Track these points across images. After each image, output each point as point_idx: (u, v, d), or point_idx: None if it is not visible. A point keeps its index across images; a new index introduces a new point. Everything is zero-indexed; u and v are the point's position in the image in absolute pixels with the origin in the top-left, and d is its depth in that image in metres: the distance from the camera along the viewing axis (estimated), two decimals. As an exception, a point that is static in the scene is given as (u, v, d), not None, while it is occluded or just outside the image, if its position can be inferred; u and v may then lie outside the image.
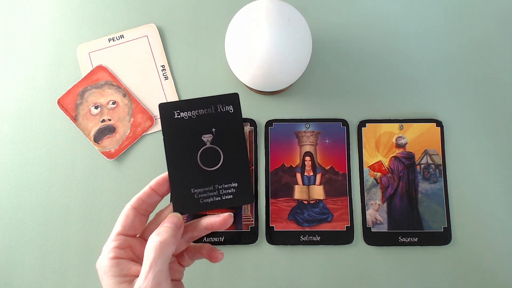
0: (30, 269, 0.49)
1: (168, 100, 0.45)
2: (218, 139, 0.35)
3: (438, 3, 0.54)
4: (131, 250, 0.34)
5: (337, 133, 0.51)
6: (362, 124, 0.51)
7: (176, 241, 0.32)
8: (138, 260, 0.33)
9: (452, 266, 0.48)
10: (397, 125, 0.51)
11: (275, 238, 0.49)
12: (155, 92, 0.49)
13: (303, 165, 0.50)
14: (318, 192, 0.50)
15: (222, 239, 0.49)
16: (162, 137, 0.35)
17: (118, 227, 0.34)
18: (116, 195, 0.50)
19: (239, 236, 0.49)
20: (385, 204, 0.49)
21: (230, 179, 0.35)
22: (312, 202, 0.50)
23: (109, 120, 0.43)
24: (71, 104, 0.44)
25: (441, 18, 0.54)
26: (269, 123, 0.51)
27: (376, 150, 0.51)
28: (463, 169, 0.50)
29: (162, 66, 0.48)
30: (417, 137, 0.51)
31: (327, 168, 0.50)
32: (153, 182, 0.35)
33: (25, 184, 0.51)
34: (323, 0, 0.55)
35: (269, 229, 0.49)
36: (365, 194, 0.50)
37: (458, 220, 0.49)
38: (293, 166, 0.50)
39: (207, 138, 0.35)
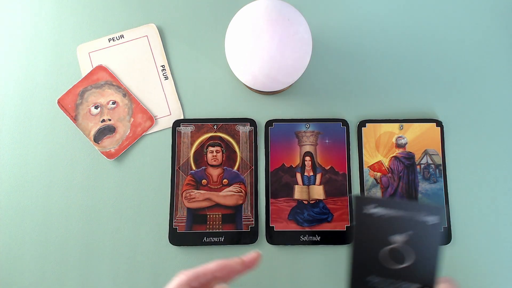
0: (30, 269, 0.49)
1: (168, 101, 0.46)
2: (409, 244, 0.35)
3: (438, 4, 0.54)
4: None
5: (337, 133, 0.51)
6: (362, 124, 0.51)
7: None
8: None
9: (452, 266, 0.48)
10: (397, 125, 0.51)
11: (275, 238, 0.49)
12: (155, 92, 0.50)
13: (303, 165, 0.50)
14: (318, 192, 0.50)
15: (222, 239, 0.49)
16: (354, 228, 0.37)
17: None
18: (116, 195, 0.50)
19: (239, 236, 0.49)
20: (385, 204, 0.49)
21: (413, 280, 0.35)
22: (312, 202, 0.50)
23: (109, 120, 0.43)
24: (71, 104, 0.44)
25: (441, 18, 0.54)
26: (269, 123, 0.51)
27: (376, 150, 0.51)
28: (463, 169, 0.50)
29: (162, 66, 0.48)
30: (417, 137, 0.51)
31: (327, 168, 0.50)
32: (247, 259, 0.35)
33: (25, 184, 0.51)
34: (323, 0, 0.55)
35: (269, 229, 0.49)
36: (365, 194, 0.50)
37: (458, 220, 0.49)
38: (293, 166, 0.50)
39: (397, 239, 0.35)
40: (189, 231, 0.49)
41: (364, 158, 0.51)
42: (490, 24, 0.54)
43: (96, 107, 0.43)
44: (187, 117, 0.52)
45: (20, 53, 0.54)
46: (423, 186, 0.50)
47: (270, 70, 0.44)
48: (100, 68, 0.46)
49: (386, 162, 0.50)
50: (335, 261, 0.49)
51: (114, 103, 0.44)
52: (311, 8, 0.54)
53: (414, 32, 0.54)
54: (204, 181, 0.50)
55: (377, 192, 0.50)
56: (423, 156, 0.50)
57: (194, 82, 0.53)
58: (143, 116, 0.47)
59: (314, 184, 0.50)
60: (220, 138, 0.51)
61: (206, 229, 0.49)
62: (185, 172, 0.50)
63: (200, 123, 0.51)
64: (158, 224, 0.49)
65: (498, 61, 0.53)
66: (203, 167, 0.50)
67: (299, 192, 0.50)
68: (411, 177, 0.50)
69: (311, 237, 0.49)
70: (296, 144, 0.51)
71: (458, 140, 0.51)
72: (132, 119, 0.46)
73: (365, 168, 0.50)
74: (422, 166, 0.50)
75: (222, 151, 0.51)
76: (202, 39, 0.54)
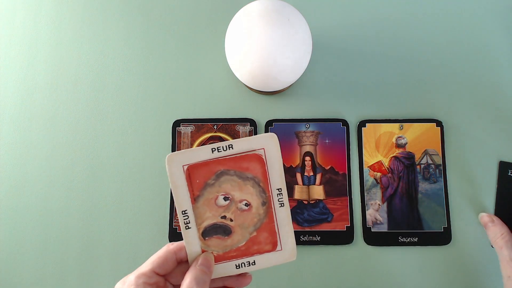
0: (30, 269, 0.49)
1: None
2: None
3: (438, 4, 0.54)
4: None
5: (337, 133, 0.51)
6: (362, 124, 0.51)
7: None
8: None
9: (452, 266, 0.48)
10: (397, 125, 0.51)
11: (275, 238, 0.49)
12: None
13: (303, 165, 0.50)
14: (318, 192, 0.50)
15: (222, 239, 0.49)
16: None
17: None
18: (116, 195, 0.50)
19: (239, 236, 0.49)
20: (385, 204, 0.49)
21: None
22: (312, 202, 0.50)
23: (231, 220, 0.35)
24: (200, 179, 0.34)
25: (441, 18, 0.54)
26: (269, 123, 0.51)
27: (376, 150, 0.51)
28: (463, 169, 0.50)
29: (278, 189, 0.36)
30: (417, 137, 0.51)
31: (327, 168, 0.50)
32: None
33: (25, 184, 0.51)
34: (323, 0, 0.55)
35: (269, 229, 0.49)
36: (365, 194, 0.50)
37: (458, 220, 0.49)
38: (293, 166, 0.50)
39: None
40: (189, 231, 0.49)
41: (364, 158, 0.51)
42: (490, 24, 0.54)
43: (225, 199, 0.35)
44: (187, 117, 0.52)
45: (20, 53, 0.54)
46: (423, 186, 0.50)
47: (270, 70, 0.44)
48: (257, 158, 0.35)
49: (386, 162, 0.50)
50: (335, 261, 0.49)
51: (247, 204, 0.35)
52: (311, 8, 0.54)
53: (414, 32, 0.54)
54: (204, 181, 0.50)
55: (377, 192, 0.50)
56: (423, 156, 0.50)
57: (194, 82, 0.53)
58: (267, 237, 0.37)
59: (314, 184, 0.50)
60: (220, 138, 0.51)
61: (206, 229, 0.49)
62: (185, 172, 0.50)
63: (200, 123, 0.51)
64: (158, 224, 0.49)
65: (498, 61, 0.53)
66: (203, 167, 0.50)
67: (299, 192, 0.50)
68: (411, 177, 0.50)
69: (311, 237, 0.49)
70: (296, 144, 0.51)
71: (458, 140, 0.51)
72: (254, 233, 0.37)
73: (365, 168, 0.50)
74: (422, 166, 0.50)
75: (222, 151, 0.51)
76: (202, 39, 0.54)
